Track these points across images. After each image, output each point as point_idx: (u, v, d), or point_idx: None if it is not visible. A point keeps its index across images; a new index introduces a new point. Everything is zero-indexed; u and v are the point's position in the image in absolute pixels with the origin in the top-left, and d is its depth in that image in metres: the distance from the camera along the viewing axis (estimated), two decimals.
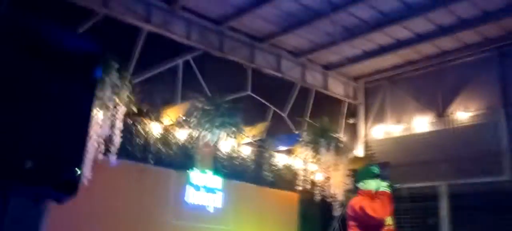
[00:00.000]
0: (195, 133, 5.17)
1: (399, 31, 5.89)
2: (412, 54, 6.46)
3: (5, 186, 1.86)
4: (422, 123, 6.57)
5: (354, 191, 4.20)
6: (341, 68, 6.97)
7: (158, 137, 4.96)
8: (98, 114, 4.03)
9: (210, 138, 5.12)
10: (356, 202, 4.14)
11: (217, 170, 5.40)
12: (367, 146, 7.23)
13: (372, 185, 4.07)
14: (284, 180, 6.17)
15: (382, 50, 6.36)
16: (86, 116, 2.00)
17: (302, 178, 6.09)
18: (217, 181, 5.40)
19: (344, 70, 7.07)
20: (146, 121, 4.88)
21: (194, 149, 5.21)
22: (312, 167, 6.26)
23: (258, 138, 5.92)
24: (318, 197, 6.03)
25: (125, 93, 4.13)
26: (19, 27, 1.84)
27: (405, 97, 6.89)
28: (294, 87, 6.68)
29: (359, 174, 4.36)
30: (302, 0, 5.32)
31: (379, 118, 7.16)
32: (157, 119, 4.97)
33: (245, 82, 6.12)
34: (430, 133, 6.45)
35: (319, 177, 6.26)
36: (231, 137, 5.42)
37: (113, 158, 4.27)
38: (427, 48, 6.29)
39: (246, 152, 5.81)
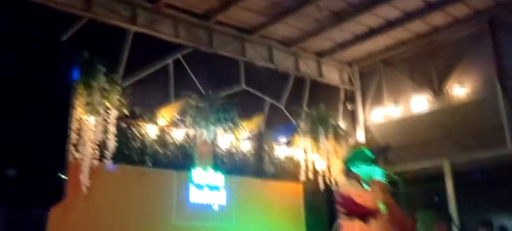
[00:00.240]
0: (191, 132, 5.14)
1: (387, 11, 5.83)
2: (404, 33, 6.39)
3: None
4: (420, 103, 6.51)
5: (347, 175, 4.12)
6: (334, 54, 6.91)
7: (155, 139, 4.93)
8: (89, 120, 3.99)
9: (207, 135, 5.08)
10: (346, 189, 4.04)
11: (218, 167, 5.37)
12: (367, 131, 7.17)
13: (364, 170, 3.98)
14: (287, 171, 6.14)
15: (373, 32, 6.30)
16: (65, 118, 1.95)
17: (304, 168, 6.07)
18: (219, 178, 5.36)
19: (337, 56, 7.01)
20: (141, 123, 4.86)
21: (192, 148, 5.19)
22: (313, 156, 6.23)
23: (256, 131, 5.89)
24: (322, 186, 6.00)
25: (115, 96, 4.10)
26: None
27: (401, 78, 6.83)
28: (288, 78, 6.63)
29: (350, 157, 4.24)
30: None
31: (377, 101, 7.10)
32: (152, 120, 4.94)
33: (238, 77, 6.07)
34: (428, 112, 6.39)
35: (321, 166, 6.22)
36: (228, 132, 5.39)
37: (109, 163, 4.24)
38: (418, 26, 6.23)
39: (246, 146, 5.77)
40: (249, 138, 5.78)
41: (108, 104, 4.08)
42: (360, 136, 7.19)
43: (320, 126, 6.03)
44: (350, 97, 7.34)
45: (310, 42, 6.55)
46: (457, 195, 5.90)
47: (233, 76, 5.99)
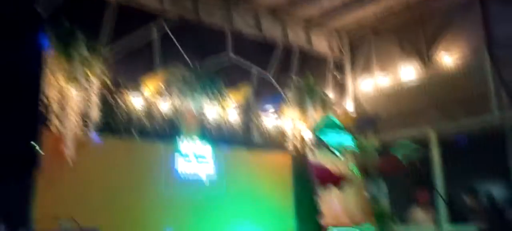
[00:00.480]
0: (177, 102, 5.08)
1: None
2: (393, 1, 6.30)
3: None
4: (408, 72, 6.50)
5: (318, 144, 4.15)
6: (323, 22, 6.82)
7: (140, 110, 4.88)
8: (71, 91, 3.92)
9: (193, 106, 5.04)
10: (318, 157, 4.11)
11: (205, 138, 5.35)
12: (355, 101, 7.17)
13: (332, 136, 4.04)
14: (275, 142, 6.15)
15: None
16: (35, 88, 1.90)
17: (292, 138, 6.08)
18: (207, 149, 5.35)
19: (326, 24, 6.92)
20: (126, 94, 4.79)
21: (179, 119, 5.15)
22: (301, 126, 6.23)
23: (244, 102, 5.85)
24: (310, 157, 6.02)
25: (97, 66, 4.01)
26: None
27: (390, 47, 6.79)
28: (276, 47, 6.54)
29: (319, 126, 4.27)
30: None
31: (366, 71, 7.08)
32: (137, 91, 4.87)
33: (225, 46, 5.97)
34: (416, 81, 6.40)
35: (308, 136, 6.24)
36: (215, 103, 5.35)
37: (94, 134, 4.20)
38: None
39: (233, 116, 5.74)
40: (236, 108, 5.74)
41: (90, 74, 4.00)
42: (349, 106, 7.20)
43: (308, 96, 6.01)
44: (339, 67, 7.30)
45: (297, 9, 6.43)
46: (442, 163, 5.97)
47: (220, 45, 5.89)
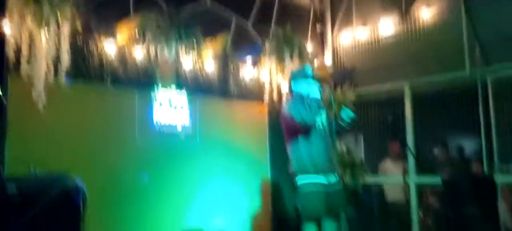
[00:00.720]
0: (152, 50, 4.99)
1: None
2: None
3: None
4: (387, 25, 6.50)
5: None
6: None
7: (114, 57, 4.77)
8: (41, 34, 3.80)
9: (168, 54, 4.96)
10: (287, 107, 4.12)
11: (181, 87, 5.31)
12: (334, 53, 7.18)
13: (303, 86, 4.03)
14: (252, 92, 6.15)
15: None
16: None
17: (269, 89, 6.10)
18: (182, 98, 5.33)
19: None
20: (99, 40, 4.66)
21: (154, 67, 5.07)
22: (278, 77, 6.24)
23: (221, 51, 5.77)
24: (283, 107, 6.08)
25: (67, 9, 3.87)
26: None
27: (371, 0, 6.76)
28: None
29: (292, 74, 4.27)
30: None
31: (346, 23, 7.05)
32: (111, 37, 4.75)
33: None
34: (394, 35, 6.42)
35: (285, 87, 6.26)
36: (191, 51, 5.27)
37: (65, 79, 4.11)
38: None
39: (210, 66, 5.68)
40: (213, 58, 5.68)
41: (60, 18, 3.86)
42: (327, 58, 7.21)
43: (286, 47, 5.98)
44: (319, 19, 7.23)
45: None
46: (414, 117, 6.12)
47: None
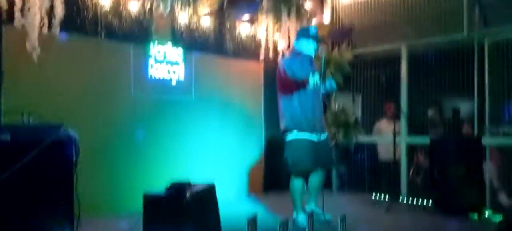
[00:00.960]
0: (147, 3, 4.97)
1: None
2: None
3: None
4: None
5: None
6: None
7: (109, 9, 4.76)
8: None
9: (163, 7, 4.94)
10: (282, 61, 4.27)
11: (176, 42, 5.33)
12: (333, 11, 7.10)
13: (302, 45, 4.16)
14: (248, 50, 6.16)
15: None
16: None
17: (265, 47, 6.10)
18: (178, 54, 5.36)
19: None
20: None
21: (149, 21, 5.07)
22: (275, 35, 6.23)
23: (217, 7, 5.73)
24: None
25: None
26: None
27: None
28: None
29: (296, 33, 4.42)
30: None
31: None
32: None
33: None
34: None
35: (282, 46, 6.26)
36: (187, 6, 5.24)
37: (59, 31, 4.14)
38: None
39: (206, 22, 5.67)
40: (209, 14, 5.65)
41: None
42: (326, 17, 7.14)
43: (283, 4, 5.93)
44: None
45: None
46: (409, 77, 6.14)
47: None
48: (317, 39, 4.25)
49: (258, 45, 6.12)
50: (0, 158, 2.48)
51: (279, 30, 6.17)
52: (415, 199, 5.45)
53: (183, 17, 5.34)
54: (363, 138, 6.46)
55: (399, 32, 6.20)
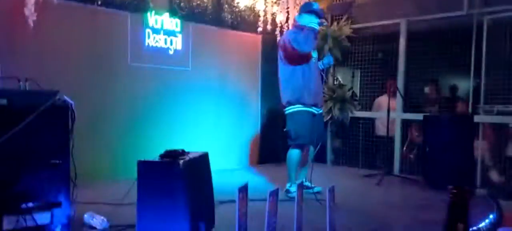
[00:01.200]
0: None
1: None
2: None
3: None
4: None
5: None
6: None
7: None
8: None
9: None
10: (286, 33, 4.33)
11: (174, 12, 5.31)
12: None
13: (305, 19, 4.21)
14: (246, 22, 6.15)
15: None
16: None
17: (264, 20, 6.08)
18: (176, 23, 5.35)
19: None
20: None
21: None
22: (274, 7, 6.19)
23: None
24: (279, 39, 6.09)
25: None
26: None
27: None
28: None
29: (300, 8, 4.46)
30: None
31: None
32: None
33: None
34: None
35: (280, 18, 6.24)
36: None
37: None
38: None
39: None
40: None
41: None
42: None
43: None
44: None
45: None
46: (408, 54, 6.14)
47: None
48: (320, 15, 4.29)
49: (256, 17, 6.09)
50: None
51: (277, 3, 6.14)
52: (408, 173, 5.54)
53: None
54: (359, 113, 6.51)
55: (399, 8, 6.17)
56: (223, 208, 3.51)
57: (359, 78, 8.24)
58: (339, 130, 6.67)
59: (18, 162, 2.63)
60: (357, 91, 7.10)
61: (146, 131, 5.02)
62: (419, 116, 5.64)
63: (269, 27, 6.12)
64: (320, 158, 6.36)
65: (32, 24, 3.92)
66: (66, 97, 2.95)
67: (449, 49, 5.97)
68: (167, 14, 5.24)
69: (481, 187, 4.92)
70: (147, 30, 5.10)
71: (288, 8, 6.16)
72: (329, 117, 6.29)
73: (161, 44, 5.22)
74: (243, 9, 6.07)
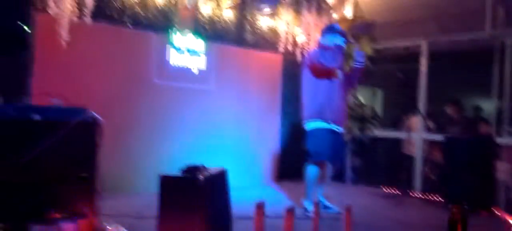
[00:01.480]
0: None
1: None
2: None
3: None
4: None
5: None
6: None
7: None
8: None
9: (187, 0, 5.11)
10: (313, 52, 4.45)
11: (198, 33, 5.49)
12: (355, 6, 7.12)
13: (329, 39, 4.32)
14: (268, 42, 6.28)
15: None
16: None
17: (285, 39, 6.20)
18: (199, 44, 5.52)
19: None
20: None
21: (173, 11, 5.26)
22: (296, 28, 6.32)
23: (240, 1, 5.87)
24: (300, 58, 6.20)
25: None
26: None
27: None
28: None
29: (322, 31, 4.59)
30: None
31: None
32: None
33: None
34: None
35: (301, 39, 6.35)
36: None
37: (88, 19, 4.36)
38: None
39: (228, 14, 5.81)
40: (231, 6, 5.79)
41: None
42: (348, 11, 7.17)
43: None
44: None
45: None
46: (430, 74, 6.13)
47: None
48: (343, 34, 4.41)
49: (277, 37, 6.23)
50: (31, 136, 2.70)
51: (298, 23, 6.26)
52: (428, 194, 5.49)
53: (206, 9, 5.50)
54: (380, 133, 6.51)
55: (420, 28, 6.20)
56: (240, 224, 3.58)
57: (381, 97, 8.24)
58: (359, 149, 6.67)
59: (48, 174, 2.79)
60: (379, 110, 7.11)
61: (168, 146, 5.17)
62: (440, 137, 5.61)
63: (289, 47, 6.24)
64: (339, 177, 6.37)
65: (65, 44, 4.15)
66: (94, 113, 3.12)
67: (471, 70, 5.95)
68: (191, 34, 5.42)
69: (506, 210, 4.82)
70: (172, 49, 5.29)
71: (309, 29, 6.26)
72: (349, 136, 6.31)
73: (184, 63, 5.40)
74: (265, 29, 6.22)
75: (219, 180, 3.05)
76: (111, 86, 4.82)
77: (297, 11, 6.18)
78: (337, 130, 4.33)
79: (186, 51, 5.41)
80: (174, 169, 2.92)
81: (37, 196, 2.74)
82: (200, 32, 5.51)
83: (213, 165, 3.09)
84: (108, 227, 3.25)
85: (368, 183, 6.49)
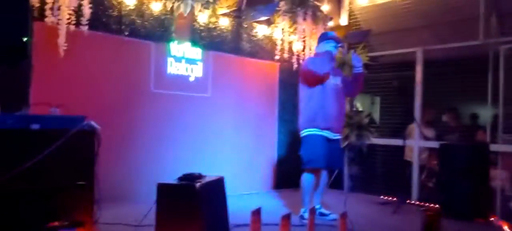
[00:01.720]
0: (169, 4, 5.20)
1: None
2: None
3: None
4: None
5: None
6: None
7: (132, 8, 5.02)
8: None
9: (183, 8, 5.15)
10: (305, 59, 4.52)
11: (195, 42, 5.54)
12: (350, 14, 7.20)
13: (322, 47, 4.38)
14: (264, 50, 6.34)
15: None
16: None
17: (280, 47, 6.25)
18: (196, 52, 5.57)
19: None
20: None
21: (170, 21, 5.30)
22: (291, 36, 6.38)
23: (236, 8, 5.92)
24: (296, 66, 6.26)
25: None
26: None
27: None
28: None
29: (318, 38, 4.66)
30: None
31: None
32: None
33: None
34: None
35: (297, 47, 6.41)
36: (206, 7, 5.44)
37: (85, 28, 4.39)
38: None
39: (224, 23, 5.87)
40: (227, 15, 5.85)
41: None
42: (344, 19, 7.24)
43: (299, 6, 6.08)
44: None
45: None
46: (425, 82, 6.19)
47: None
48: (337, 40, 4.47)
49: (274, 45, 6.28)
50: (30, 145, 2.72)
51: (294, 32, 6.32)
52: (425, 202, 5.52)
53: (202, 17, 5.55)
54: (377, 140, 6.54)
55: (415, 37, 6.26)
56: None
57: (378, 105, 8.28)
58: (356, 157, 6.70)
59: (47, 182, 2.81)
60: (377, 118, 7.14)
61: (166, 155, 5.20)
62: (436, 144, 5.65)
63: (286, 55, 6.29)
64: (337, 184, 6.40)
65: (62, 53, 4.18)
66: (92, 122, 3.15)
67: (466, 78, 6.00)
68: (188, 43, 5.46)
69: (502, 217, 4.86)
70: (170, 59, 5.33)
71: (304, 37, 6.33)
72: (346, 144, 6.34)
73: (182, 71, 5.44)
74: (261, 38, 6.27)
75: (216, 188, 3.07)
76: (109, 95, 4.85)
77: (292, 19, 6.24)
78: (331, 137, 4.34)
79: (183, 60, 5.45)
80: (172, 177, 2.95)
81: (36, 205, 2.76)
82: (197, 40, 5.56)
83: (211, 172, 3.12)
84: None
85: (366, 191, 6.51)
